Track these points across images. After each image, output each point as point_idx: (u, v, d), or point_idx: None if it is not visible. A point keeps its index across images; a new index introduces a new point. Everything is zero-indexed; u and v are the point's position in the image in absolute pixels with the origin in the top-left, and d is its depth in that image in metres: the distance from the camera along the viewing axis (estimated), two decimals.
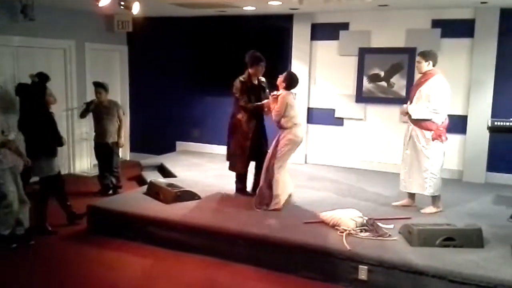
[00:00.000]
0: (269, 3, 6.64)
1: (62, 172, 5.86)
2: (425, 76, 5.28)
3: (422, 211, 5.37)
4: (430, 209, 5.37)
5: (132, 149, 9.42)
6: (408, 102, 5.46)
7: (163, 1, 6.73)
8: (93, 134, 7.06)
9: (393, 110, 7.26)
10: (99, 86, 6.73)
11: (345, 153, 7.92)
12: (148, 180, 6.35)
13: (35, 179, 5.61)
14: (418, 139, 5.28)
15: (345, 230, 4.58)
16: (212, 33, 8.52)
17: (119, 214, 5.36)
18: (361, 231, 4.59)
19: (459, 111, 7.02)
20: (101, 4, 5.48)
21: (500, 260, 4.04)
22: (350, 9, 7.35)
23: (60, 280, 4.36)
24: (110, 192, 6.84)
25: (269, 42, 7.45)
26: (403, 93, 7.21)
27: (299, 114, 5.59)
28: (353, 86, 7.68)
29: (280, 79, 5.49)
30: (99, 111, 6.79)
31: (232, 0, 6.61)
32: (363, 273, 4.13)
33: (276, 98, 5.43)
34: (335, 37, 7.73)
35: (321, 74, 7.97)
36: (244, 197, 5.87)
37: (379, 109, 7.58)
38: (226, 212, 5.26)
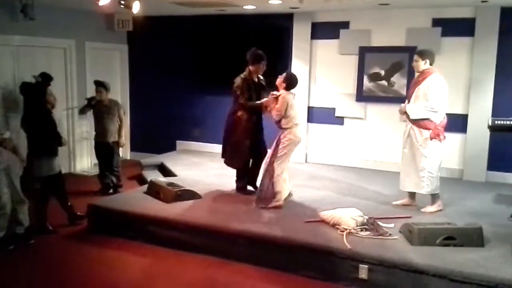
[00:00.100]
0: (270, 2, 6.64)
1: (63, 171, 5.86)
2: (423, 75, 5.29)
3: (423, 210, 5.37)
4: (430, 208, 5.37)
5: (133, 148, 9.42)
6: (406, 101, 5.46)
7: (163, 0, 6.72)
8: (94, 133, 7.07)
9: (394, 109, 7.18)
10: (100, 85, 6.73)
11: (346, 152, 7.91)
12: (149, 179, 6.36)
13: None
14: (416, 138, 5.28)
15: (346, 229, 4.58)
16: (212, 32, 8.52)
17: (119, 213, 5.36)
18: (361, 230, 4.59)
19: (459, 110, 7.02)
20: (101, 3, 5.48)
21: (501, 259, 4.04)
22: (351, 8, 7.35)
23: (61, 280, 4.36)
24: (111, 191, 6.85)
25: (269, 41, 7.44)
26: (403, 92, 7.19)
27: (298, 114, 5.61)
28: (354, 85, 7.68)
29: (280, 79, 5.50)
30: (99, 110, 6.79)
31: None
32: (363, 272, 4.13)
33: (276, 98, 5.45)
34: (336, 36, 7.72)
35: (321, 73, 7.96)
36: (244, 196, 5.87)
37: (380, 108, 7.57)
38: (226, 211, 5.26)
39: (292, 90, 5.53)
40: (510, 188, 6.53)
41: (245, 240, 4.66)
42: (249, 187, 6.08)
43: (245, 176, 6.03)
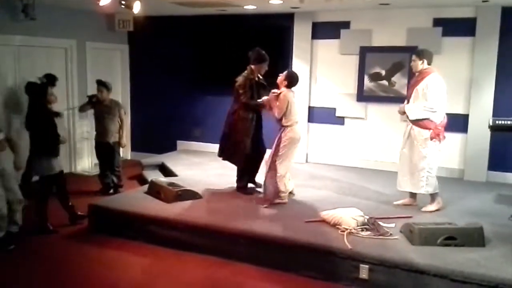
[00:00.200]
0: (270, 2, 6.63)
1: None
2: (421, 74, 5.30)
3: (423, 209, 5.37)
4: (430, 206, 5.37)
5: (133, 148, 9.42)
6: (406, 101, 5.46)
7: (164, 0, 6.72)
8: (94, 133, 7.08)
9: (395, 109, 7.12)
10: (102, 85, 6.74)
11: (346, 152, 7.91)
12: (149, 179, 6.36)
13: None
14: (416, 138, 5.28)
15: (346, 229, 4.58)
16: (213, 32, 8.52)
17: (120, 213, 5.36)
18: (362, 230, 4.59)
19: (460, 110, 7.01)
20: (102, 3, 5.48)
21: (502, 259, 4.03)
22: (351, 8, 7.34)
23: (61, 280, 4.36)
24: (111, 191, 6.85)
25: (270, 41, 7.43)
26: (404, 92, 7.15)
27: (298, 112, 5.67)
28: (354, 85, 7.68)
29: (281, 78, 5.56)
30: (100, 110, 6.80)
31: None
32: (364, 272, 4.12)
33: (277, 96, 5.50)
34: (336, 36, 7.72)
35: (322, 73, 7.96)
36: (245, 195, 5.88)
37: (380, 108, 7.57)
38: (227, 211, 5.25)
39: (292, 89, 5.57)
40: (511, 188, 6.52)
41: (245, 240, 4.66)
42: (250, 185, 6.12)
43: (246, 176, 6.04)
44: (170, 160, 7.98)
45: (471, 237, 4.30)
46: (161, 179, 6.43)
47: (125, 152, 9.15)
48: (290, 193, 5.75)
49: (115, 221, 5.38)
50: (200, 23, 8.55)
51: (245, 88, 5.73)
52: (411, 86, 5.48)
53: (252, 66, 5.80)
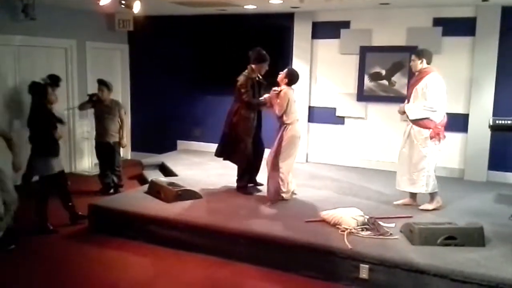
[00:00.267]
0: (270, 1, 6.63)
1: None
2: (420, 74, 5.30)
3: (421, 207, 5.39)
4: (429, 205, 5.38)
5: (133, 148, 9.42)
6: (406, 101, 5.46)
7: (164, 0, 6.72)
8: (94, 133, 7.07)
9: (395, 109, 7.12)
10: (103, 84, 6.75)
11: (346, 151, 7.91)
12: (149, 179, 6.36)
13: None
14: (416, 138, 5.29)
15: (346, 229, 4.58)
16: (213, 32, 8.51)
17: (120, 213, 5.36)
18: (362, 230, 4.59)
19: (460, 110, 7.01)
20: (102, 3, 5.48)
21: (502, 258, 4.03)
22: (351, 8, 7.34)
23: (61, 280, 4.36)
24: (111, 191, 6.85)
25: (270, 40, 7.42)
26: (404, 91, 7.16)
27: (298, 110, 5.75)
28: (354, 85, 7.67)
29: (282, 75, 5.62)
30: (100, 110, 6.80)
31: None
32: (364, 272, 4.12)
33: (278, 93, 5.56)
34: (336, 35, 7.72)
35: (322, 72, 7.96)
36: (245, 195, 5.88)
37: (381, 108, 7.56)
38: (227, 211, 5.25)
39: (292, 87, 5.64)
40: (511, 187, 6.52)
41: (245, 240, 4.66)
42: (249, 184, 6.13)
43: (247, 175, 6.05)
44: (170, 160, 7.98)
45: (471, 237, 4.29)
46: (161, 179, 6.43)
47: (125, 152, 9.15)
48: (292, 192, 5.77)
49: (115, 221, 5.38)
50: (200, 23, 8.55)
51: (247, 87, 5.74)
52: (411, 85, 5.49)
53: (253, 66, 5.81)
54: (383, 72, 7.44)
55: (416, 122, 5.28)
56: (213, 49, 8.52)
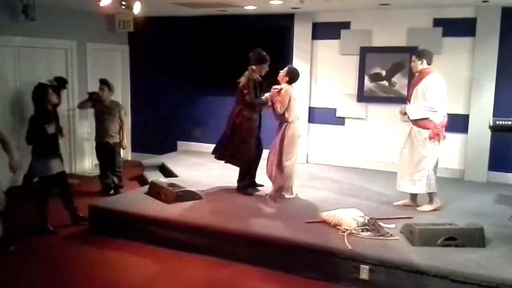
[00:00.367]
0: (270, 2, 6.64)
1: None
2: (421, 74, 5.31)
3: (419, 208, 5.39)
4: (428, 206, 5.37)
5: (134, 149, 9.41)
6: (407, 102, 5.46)
7: (164, 1, 6.72)
8: (94, 134, 7.07)
9: (395, 110, 7.16)
10: (104, 83, 6.78)
11: (347, 152, 7.91)
12: (150, 180, 6.35)
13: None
14: (415, 138, 5.29)
15: (347, 229, 4.58)
16: (213, 32, 8.52)
17: (120, 214, 5.36)
18: (362, 231, 4.59)
19: (460, 110, 7.01)
20: (102, 3, 5.48)
21: (502, 259, 4.03)
22: (351, 8, 7.34)
23: (61, 280, 4.36)
24: (111, 192, 6.84)
25: (270, 41, 7.42)
26: (404, 92, 7.17)
27: (298, 109, 5.85)
28: (355, 86, 7.67)
29: (282, 74, 5.71)
30: (100, 110, 6.81)
31: (233, 0, 6.61)
32: (364, 272, 4.12)
33: (278, 91, 5.64)
34: (336, 36, 7.72)
35: (322, 73, 7.96)
36: (245, 196, 5.88)
37: (381, 109, 7.56)
38: (227, 212, 5.25)
39: (293, 85, 5.73)
40: (511, 188, 6.51)
41: (246, 240, 4.66)
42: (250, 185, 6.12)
43: (248, 176, 6.05)
44: (170, 160, 7.98)
45: (472, 238, 4.29)
46: (162, 179, 6.43)
47: (126, 153, 9.15)
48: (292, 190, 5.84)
49: (115, 221, 5.38)
50: (200, 24, 8.55)
51: (249, 88, 5.74)
52: (411, 86, 5.50)
53: (253, 67, 5.81)
54: (383, 72, 7.44)
55: (415, 122, 5.29)
56: (213, 50, 8.53)
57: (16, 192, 6.72)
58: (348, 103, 7.75)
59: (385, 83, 7.45)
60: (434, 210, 5.34)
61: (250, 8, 7.35)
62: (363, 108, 7.68)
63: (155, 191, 5.79)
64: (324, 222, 4.87)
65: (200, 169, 7.43)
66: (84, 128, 8.27)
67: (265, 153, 6.02)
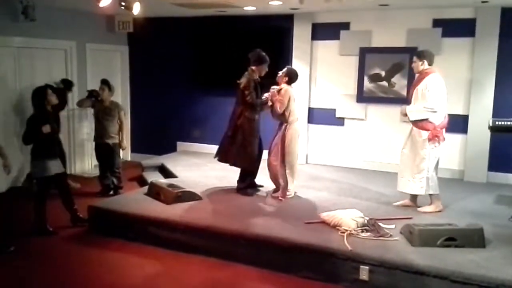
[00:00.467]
0: (270, 3, 6.64)
1: None
2: (421, 75, 5.31)
3: (419, 209, 5.39)
4: (428, 207, 5.37)
5: (133, 150, 9.41)
6: (411, 103, 5.46)
7: (163, 1, 6.72)
8: (94, 134, 7.07)
9: (394, 110, 7.23)
10: (104, 83, 6.81)
11: (346, 153, 7.91)
12: (149, 181, 6.35)
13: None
14: (416, 139, 5.29)
15: (346, 230, 4.58)
16: (212, 33, 8.52)
17: (119, 214, 5.36)
18: (362, 231, 4.59)
19: (460, 111, 7.01)
20: (101, 4, 5.47)
21: (502, 260, 4.03)
22: (351, 9, 7.34)
23: (61, 281, 4.36)
24: (111, 192, 6.84)
25: (270, 42, 7.42)
26: (404, 93, 7.19)
27: (297, 109, 5.93)
28: (354, 86, 7.68)
29: (282, 74, 5.79)
30: (100, 111, 6.80)
31: (232, 0, 6.61)
32: (364, 273, 4.12)
33: (278, 92, 5.72)
34: (336, 37, 7.72)
35: (321, 74, 7.96)
36: (245, 196, 5.88)
37: (380, 109, 7.57)
38: (227, 213, 5.25)
39: (292, 85, 5.81)
40: (511, 188, 6.52)
41: (246, 241, 4.66)
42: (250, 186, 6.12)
43: (249, 177, 6.05)
44: (170, 161, 7.98)
45: (471, 238, 4.29)
46: (161, 180, 6.43)
47: (125, 154, 9.15)
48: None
49: (115, 222, 5.38)
50: (200, 24, 8.55)
51: (250, 89, 5.74)
52: (412, 87, 5.50)
53: (253, 68, 5.81)
54: (383, 73, 7.44)
55: (415, 123, 5.29)
56: (212, 50, 8.52)
57: (16, 192, 6.74)
58: (348, 103, 7.75)
59: (384, 83, 7.46)
60: (434, 212, 5.33)
61: (249, 8, 7.35)
62: (362, 108, 7.68)
63: (155, 192, 5.79)
64: (323, 222, 4.87)
65: (200, 169, 7.43)
66: (84, 128, 8.27)
67: (265, 153, 6.03)
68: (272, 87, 5.77)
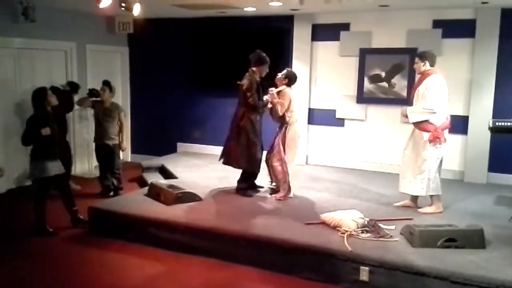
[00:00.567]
0: (270, 4, 6.64)
1: None
2: (423, 76, 5.32)
3: (420, 210, 5.39)
4: (428, 208, 5.37)
5: (133, 151, 9.42)
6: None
7: (163, 2, 6.73)
8: (94, 135, 7.07)
9: (394, 111, 7.25)
10: (105, 84, 6.82)
11: (346, 154, 7.91)
12: (149, 182, 6.35)
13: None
14: (417, 140, 5.29)
15: (347, 231, 4.58)
16: (212, 34, 8.52)
17: (120, 215, 5.36)
18: (362, 232, 4.59)
19: (460, 112, 7.01)
20: (102, 5, 5.47)
21: (502, 261, 4.03)
22: (351, 10, 7.34)
23: (61, 281, 4.36)
24: (111, 193, 6.83)
25: (270, 43, 7.43)
26: (404, 93, 7.20)
27: (297, 110, 5.97)
28: (354, 87, 7.68)
29: (281, 76, 5.83)
30: (100, 112, 6.80)
31: (232, 1, 6.61)
32: (364, 274, 4.12)
33: (278, 93, 5.75)
34: (336, 37, 7.72)
35: (322, 75, 7.96)
36: (245, 197, 5.87)
37: (380, 110, 7.57)
38: (227, 213, 5.25)
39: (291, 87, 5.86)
40: (511, 189, 6.51)
41: (246, 242, 4.66)
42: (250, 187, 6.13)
43: (251, 178, 6.05)
44: (170, 162, 7.97)
45: (472, 239, 4.29)
46: (161, 181, 6.42)
47: (125, 155, 9.15)
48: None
49: (115, 223, 5.38)
50: (200, 25, 8.56)
51: (253, 91, 5.74)
52: (414, 88, 5.51)
53: (254, 69, 5.81)
54: (383, 74, 7.44)
55: (416, 125, 5.29)
56: (213, 51, 8.53)
57: (17, 193, 6.75)
58: (348, 104, 7.75)
59: (384, 84, 7.46)
60: (434, 213, 5.32)
61: (249, 9, 7.35)
62: (362, 109, 7.69)
63: (155, 193, 5.79)
64: (324, 223, 4.87)
65: (200, 170, 7.43)
66: (84, 129, 8.27)
67: (264, 154, 6.03)
68: (270, 89, 5.78)
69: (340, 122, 7.89)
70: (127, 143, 8.36)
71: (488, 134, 6.45)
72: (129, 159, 9.35)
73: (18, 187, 7.11)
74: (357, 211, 4.91)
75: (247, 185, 6.04)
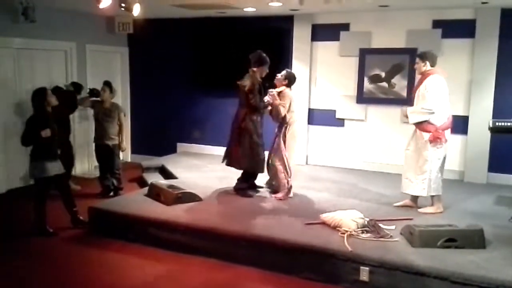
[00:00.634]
0: (270, 4, 6.64)
1: None
2: (423, 76, 5.33)
3: (420, 210, 5.38)
4: (429, 208, 5.37)
5: (133, 151, 9.42)
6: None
7: (163, 3, 6.73)
8: (94, 136, 7.07)
9: (394, 111, 7.26)
10: (106, 84, 6.82)
11: (346, 154, 7.91)
12: (149, 182, 6.35)
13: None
14: (419, 140, 5.29)
15: (347, 231, 4.58)
16: (212, 34, 8.52)
17: (120, 215, 5.36)
18: (362, 232, 4.59)
19: (460, 112, 7.01)
20: (101, 5, 5.47)
21: (502, 261, 4.03)
22: (351, 10, 7.34)
23: (61, 281, 4.36)
24: (111, 193, 6.83)
25: (270, 43, 7.43)
26: (404, 93, 7.20)
27: (296, 111, 6.03)
28: (354, 87, 7.68)
29: (281, 77, 5.87)
30: (100, 112, 6.80)
31: (232, 2, 6.61)
32: (364, 274, 4.12)
33: (278, 94, 5.79)
34: (336, 38, 7.72)
35: (321, 75, 7.96)
36: (245, 197, 5.87)
37: (380, 110, 7.57)
38: (227, 214, 5.25)
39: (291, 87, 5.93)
40: (511, 189, 6.52)
41: (246, 242, 4.66)
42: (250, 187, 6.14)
43: (252, 178, 6.05)
44: (170, 162, 7.97)
45: (472, 239, 4.29)
46: (161, 181, 6.42)
47: (125, 155, 9.16)
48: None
49: (115, 223, 5.38)
50: (200, 26, 8.56)
51: (255, 92, 5.74)
52: (414, 88, 5.51)
53: (254, 69, 5.81)
54: (383, 74, 7.45)
55: (417, 125, 5.29)
56: (212, 51, 8.53)
57: (17, 193, 6.75)
58: (348, 104, 7.76)
59: (384, 84, 7.46)
60: (435, 213, 5.32)
61: (249, 10, 7.35)
62: (362, 109, 7.69)
63: (155, 193, 5.79)
64: (324, 223, 4.87)
65: (200, 170, 7.43)
66: (84, 129, 8.26)
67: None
68: (270, 90, 5.80)
69: (340, 122, 7.89)
70: (127, 143, 8.36)
71: (488, 134, 6.45)
72: (129, 159, 9.35)
73: (18, 188, 7.09)
74: (357, 211, 4.91)
75: (247, 185, 6.04)
